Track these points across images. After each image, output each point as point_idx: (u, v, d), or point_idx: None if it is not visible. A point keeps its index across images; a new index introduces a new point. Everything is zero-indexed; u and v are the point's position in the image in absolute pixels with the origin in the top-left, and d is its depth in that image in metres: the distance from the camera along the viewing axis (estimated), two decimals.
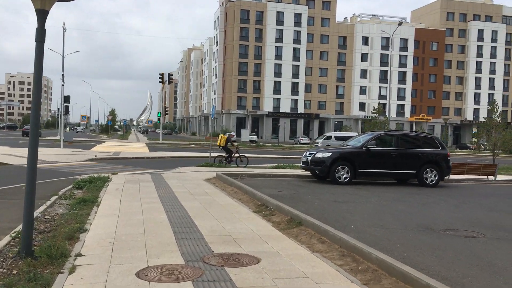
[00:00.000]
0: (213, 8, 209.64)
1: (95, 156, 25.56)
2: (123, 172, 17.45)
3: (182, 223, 7.71)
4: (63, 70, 39.35)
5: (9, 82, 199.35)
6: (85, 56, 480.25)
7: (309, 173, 15.86)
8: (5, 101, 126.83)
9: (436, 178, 14.92)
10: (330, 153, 14.46)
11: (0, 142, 37.88)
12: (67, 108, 37.97)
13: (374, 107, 47.11)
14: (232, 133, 25.54)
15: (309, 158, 14.87)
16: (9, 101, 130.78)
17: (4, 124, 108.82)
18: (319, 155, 14.61)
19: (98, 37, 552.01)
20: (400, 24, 48.03)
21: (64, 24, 40.27)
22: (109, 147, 38.33)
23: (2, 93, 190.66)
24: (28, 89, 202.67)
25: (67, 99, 37.43)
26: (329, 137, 52.38)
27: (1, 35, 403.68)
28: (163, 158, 28.10)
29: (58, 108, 38.70)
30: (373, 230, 7.32)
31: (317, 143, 53.74)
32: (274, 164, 22.24)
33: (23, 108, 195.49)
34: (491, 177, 18.33)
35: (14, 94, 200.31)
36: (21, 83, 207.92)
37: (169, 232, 7.00)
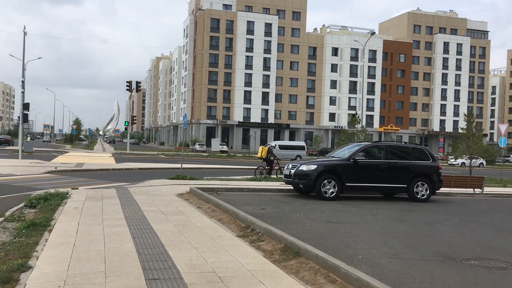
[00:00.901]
0: (181, 17, 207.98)
1: (55, 168, 23.57)
2: (85, 186, 15.75)
3: (154, 255, 6.27)
4: (23, 76, 36.86)
5: None
6: (50, 65, 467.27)
7: (289, 187, 14.65)
8: None
9: (428, 192, 13.87)
10: (315, 166, 13.20)
11: None
12: (26, 116, 35.49)
13: (353, 116, 46.50)
14: (273, 143, 26.39)
15: (292, 171, 13.60)
16: None
17: None
18: (303, 167, 13.36)
19: (64, 45, 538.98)
20: (372, 34, 48.00)
21: (24, 27, 37.86)
22: (72, 157, 36.10)
23: None
24: None
25: (26, 106, 34.98)
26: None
27: None
28: (131, 170, 26.36)
29: (19, 117, 36.17)
30: (386, 261, 6.08)
31: None
32: (250, 176, 20.98)
33: None
34: (477, 190, 17.57)
35: None
36: None
37: (137, 269, 5.55)
